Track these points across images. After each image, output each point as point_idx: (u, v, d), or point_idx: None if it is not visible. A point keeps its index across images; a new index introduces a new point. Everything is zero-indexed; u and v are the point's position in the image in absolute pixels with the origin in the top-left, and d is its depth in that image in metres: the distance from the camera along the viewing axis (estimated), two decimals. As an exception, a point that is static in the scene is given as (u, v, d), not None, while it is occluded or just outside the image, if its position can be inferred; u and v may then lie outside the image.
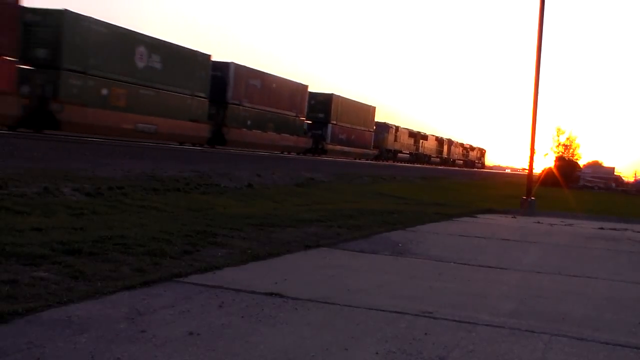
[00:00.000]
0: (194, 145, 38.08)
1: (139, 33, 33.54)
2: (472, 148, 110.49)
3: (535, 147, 20.05)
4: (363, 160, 55.46)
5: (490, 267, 7.38)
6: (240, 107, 42.19)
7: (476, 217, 14.48)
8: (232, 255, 6.64)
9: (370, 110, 63.75)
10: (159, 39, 35.18)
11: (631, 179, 59.01)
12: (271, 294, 5.09)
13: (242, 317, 4.40)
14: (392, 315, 4.72)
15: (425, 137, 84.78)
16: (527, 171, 20.40)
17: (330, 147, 54.99)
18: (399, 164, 55.26)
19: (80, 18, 29.44)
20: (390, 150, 71.03)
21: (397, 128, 73.62)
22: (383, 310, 4.82)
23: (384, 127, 68.83)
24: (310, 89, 46.97)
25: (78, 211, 9.51)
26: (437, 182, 36.00)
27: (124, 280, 5.08)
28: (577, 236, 11.79)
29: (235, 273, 5.85)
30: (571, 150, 58.64)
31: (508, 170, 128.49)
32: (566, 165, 50.62)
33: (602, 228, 13.63)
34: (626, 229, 13.62)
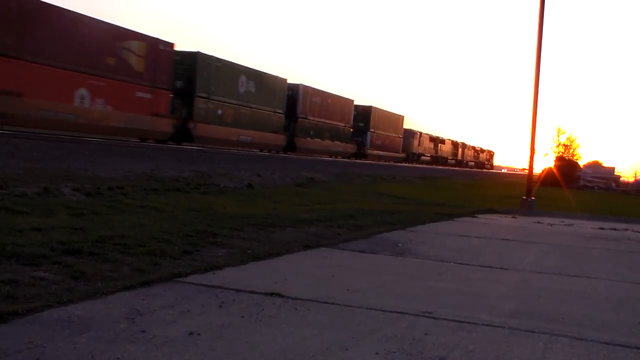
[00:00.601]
0: (277, 152, 46.97)
1: (241, 65, 42.44)
2: (482, 150, 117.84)
3: (536, 147, 20.07)
4: (364, 160, 56.78)
5: (490, 267, 7.38)
6: (306, 120, 51.69)
7: (476, 217, 14.48)
8: (232, 255, 6.64)
9: (400, 119, 73.20)
10: (253, 69, 43.98)
11: (631, 179, 59.03)
12: (271, 294, 5.09)
13: (242, 317, 4.40)
14: (392, 315, 4.72)
15: (443, 141, 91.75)
16: (526, 171, 20.40)
17: (369, 151, 63.73)
18: (418, 165, 63.63)
19: (206, 57, 38.55)
20: (415, 154, 79.02)
21: (420, 134, 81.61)
22: (383, 310, 4.82)
23: (410, 133, 77.51)
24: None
25: (78, 211, 9.51)
26: (437, 182, 36.00)
27: (124, 280, 5.09)
28: (577, 236, 11.79)
29: (235, 273, 5.85)
30: (571, 150, 58.70)
31: (504, 170, 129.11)
32: (566, 165, 50.63)
33: (602, 228, 13.63)
34: (626, 229, 13.62)
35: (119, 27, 31.73)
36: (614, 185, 51.76)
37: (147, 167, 16.99)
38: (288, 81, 48.25)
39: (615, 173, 55.47)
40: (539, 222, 14.13)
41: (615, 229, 13.50)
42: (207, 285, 5.21)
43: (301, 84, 50.67)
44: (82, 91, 29.28)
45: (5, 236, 6.38)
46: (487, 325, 4.63)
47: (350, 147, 59.74)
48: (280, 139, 47.49)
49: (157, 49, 33.94)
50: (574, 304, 5.66)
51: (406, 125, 76.19)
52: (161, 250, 6.40)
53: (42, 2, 26.97)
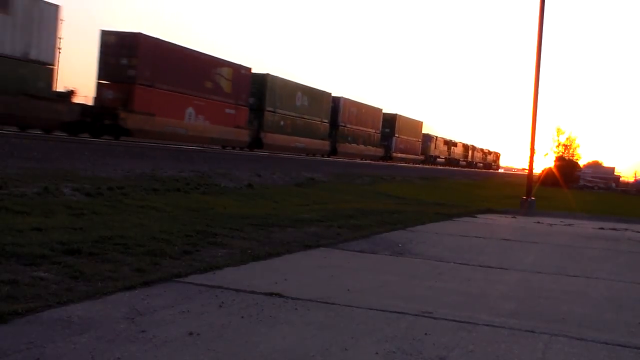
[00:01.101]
0: (322, 155, 53.47)
1: (298, 83, 51.04)
2: (489, 152, 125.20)
3: (536, 148, 20.08)
4: (364, 161, 57.74)
5: (490, 267, 7.38)
6: (345, 128, 59.58)
7: (476, 217, 14.48)
8: (232, 255, 6.64)
9: (419, 125, 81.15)
10: (307, 86, 52.37)
11: (631, 179, 59.04)
12: (271, 294, 5.09)
13: (242, 317, 4.40)
14: (392, 315, 4.72)
15: (455, 144, 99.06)
16: (526, 171, 20.40)
17: (394, 155, 71.01)
18: (433, 166, 70.42)
19: (273, 77, 46.65)
20: (432, 156, 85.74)
21: (436, 138, 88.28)
22: (383, 311, 4.82)
23: (428, 138, 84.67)
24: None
25: (78, 211, 9.51)
26: (437, 182, 36.00)
27: (124, 280, 5.08)
28: (577, 236, 11.79)
29: (235, 273, 5.85)
30: (571, 151, 58.69)
31: (501, 170, 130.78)
32: (566, 165, 50.64)
33: (602, 228, 13.63)
34: (626, 229, 13.62)
35: (214, 56, 39.96)
36: (614, 185, 51.78)
37: (147, 167, 16.99)
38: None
39: (615, 173, 55.49)
40: (539, 222, 14.13)
41: (615, 229, 13.50)
42: (207, 285, 5.21)
43: (342, 97, 58.81)
44: (190, 110, 37.71)
45: (5, 236, 6.38)
46: (487, 325, 4.63)
47: (379, 151, 67.41)
48: (326, 145, 55.77)
49: (240, 73, 42.41)
50: (574, 304, 5.66)
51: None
52: (161, 250, 6.40)
53: (166, 42, 35.93)
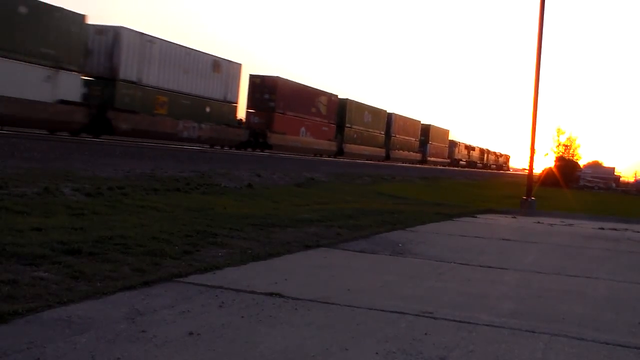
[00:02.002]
0: (378, 161, 62.93)
1: (365, 104, 63.27)
2: (500, 155, 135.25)
3: (536, 148, 20.08)
4: (365, 161, 59.09)
5: (490, 267, 7.38)
6: (395, 138, 71.93)
7: (476, 217, 14.48)
8: (232, 255, 6.64)
9: (447, 132, 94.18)
10: (372, 106, 64.51)
11: (631, 179, 59.05)
12: (271, 294, 5.09)
13: (242, 317, 4.40)
14: (393, 315, 4.72)
15: (473, 148, 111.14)
16: (526, 171, 20.40)
17: (429, 159, 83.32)
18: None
19: (351, 101, 59.54)
20: (456, 159, 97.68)
21: (459, 143, 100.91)
22: (383, 311, 4.82)
23: (453, 144, 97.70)
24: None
25: (78, 211, 9.50)
26: (438, 182, 36.00)
27: (124, 280, 5.09)
28: (577, 236, 11.79)
29: (235, 273, 5.85)
30: (571, 151, 58.71)
31: (511, 171, 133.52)
32: (566, 166, 50.64)
33: (602, 228, 13.63)
34: (626, 229, 13.62)
35: (317, 89, 53.83)
36: (614, 185, 51.80)
37: (147, 167, 17.00)
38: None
39: (615, 173, 55.52)
40: (539, 222, 14.13)
41: (615, 229, 13.50)
42: (207, 286, 5.21)
43: (394, 113, 71.22)
44: (303, 128, 51.71)
45: (5, 236, 6.38)
46: (487, 325, 4.63)
47: (418, 156, 79.22)
48: (382, 152, 67.68)
49: (331, 99, 56.00)
50: (574, 304, 5.66)
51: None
52: (161, 250, 6.40)
53: (291, 81, 49.77)
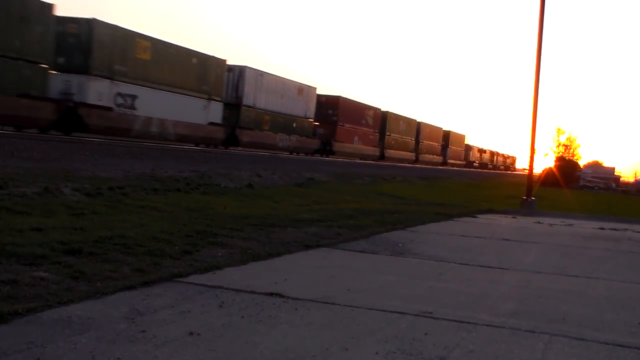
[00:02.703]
0: (409, 163, 70.81)
1: (401, 115, 73.81)
2: (508, 156, 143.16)
3: (536, 148, 20.09)
4: (367, 161, 59.80)
5: (490, 267, 7.38)
6: (423, 143, 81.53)
7: (476, 217, 14.48)
8: (232, 256, 6.64)
9: (463, 137, 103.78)
10: (404, 116, 74.50)
11: (631, 179, 59.07)
12: (271, 294, 5.09)
13: (242, 317, 4.40)
14: (393, 315, 4.72)
15: (484, 151, 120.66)
16: (526, 171, 20.41)
17: (449, 161, 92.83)
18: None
19: (391, 113, 70.26)
20: (470, 162, 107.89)
21: (473, 147, 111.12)
22: (383, 311, 4.82)
23: (468, 147, 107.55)
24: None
25: (78, 211, 9.50)
26: (438, 182, 36.00)
27: (124, 280, 5.09)
28: (577, 236, 11.79)
29: (235, 273, 5.85)
30: (571, 151, 58.73)
31: (502, 167, 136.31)
32: (566, 166, 50.65)
33: (602, 228, 13.63)
34: (626, 229, 13.62)
35: (366, 104, 63.45)
36: (614, 185, 51.81)
37: (147, 167, 17.00)
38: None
39: (615, 173, 55.53)
40: (539, 222, 14.13)
41: (615, 229, 13.50)
42: (207, 286, 5.21)
43: (422, 122, 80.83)
44: (356, 137, 61.09)
45: (5, 236, 6.38)
46: (487, 325, 4.63)
47: (440, 159, 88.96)
48: (413, 156, 77.32)
49: (376, 112, 65.87)
50: (574, 304, 5.66)
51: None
52: (161, 250, 6.40)
53: (349, 99, 59.87)
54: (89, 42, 30.07)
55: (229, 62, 41.52)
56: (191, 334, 3.92)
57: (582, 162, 57.45)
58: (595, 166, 57.19)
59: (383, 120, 68.02)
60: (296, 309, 4.72)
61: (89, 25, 30.22)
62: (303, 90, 51.26)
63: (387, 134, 69.44)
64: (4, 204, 9.03)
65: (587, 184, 49.58)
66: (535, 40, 18.68)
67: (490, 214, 15.94)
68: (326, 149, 55.92)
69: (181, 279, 5.37)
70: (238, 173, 19.85)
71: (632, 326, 4.95)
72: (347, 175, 28.86)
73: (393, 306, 4.97)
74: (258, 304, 4.77)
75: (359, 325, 4.40)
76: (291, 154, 49.44)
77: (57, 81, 29.49)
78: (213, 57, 39.53)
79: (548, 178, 44.92)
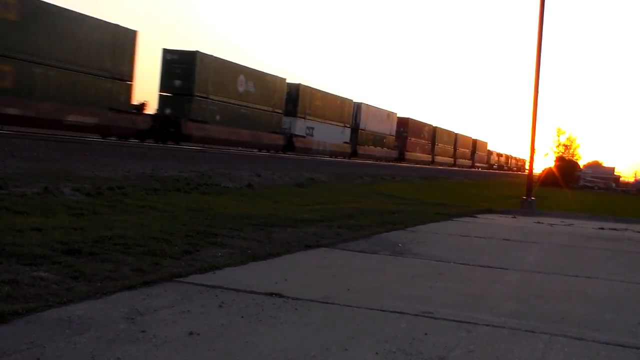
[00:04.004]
0: (449, 166, 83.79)
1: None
2: (519, 159, 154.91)
3: (536, 147, 20.11)
4: (367, 161, 60.49)
5: (490, 267, 7.38)
6: (458, 150, 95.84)
7: (476, 217, 14.48)
8: (232, 255, 6.65)
9: (486, 144, 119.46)
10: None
11: (631, 179, 59.09)
12: (271, 294, 5.09)
13: (242, 317, 4.40)
14: (392, 315, 4.72)
15: (501, 155, 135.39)
16: (526, 171, 20.40)
17: (476, 164, 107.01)
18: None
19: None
20: (491, 164, 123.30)
21: (492, 152, 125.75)
22: (383, 310, 4.82)
23: (489, 152, 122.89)
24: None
25: (78, 211, 9.51)
26: (437, 182, 36.01)
27: (124, 280, 5.09)
28: (577, 236, 11.79)
29: (235, 273, 5.85)
30: (571, 151, 58.82)
31: (515, 168, 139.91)
32: (566, 165, 50.68)
33: (602, 228, 13.63)
34: (626, 229, 13.62)
35: (424, 122, 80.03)
36: (614, 185, 51.81)
37: (147, 167, 17.00)
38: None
39: (615, 173, 55.53)
40: (539, 222, 14.13)
41: (615, 229, 13.49)
42: (207, 285, 5.21)
43: (458, 133, 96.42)
44: (418, 147, 75.86)
45: (5, 236, 6.38)
46: (487, 325, 4.63)
47: (470, 162, 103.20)
48: (452, 160, 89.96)
49: (430, 127, 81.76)
50: (574, 304, 5.66)
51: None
52: (161, 250, 6.40)
53: (413, 119, 76.50)
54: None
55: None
56: (191, 334, 3.92)
57: (582, 162, 57.57)
58: (595, 166, 57.22)
59: (434, 133, 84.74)
60: (296, 308, 4.72)
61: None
62: (389, 115, 69.90)
63: (436, 144, 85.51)
64: (4, 204, 9.04)
65: (587, 184, 49.59)
66: (535, 40, 18.69)
67: (490, 213, 15.94)
68: (400, 157, 71.87)
69: (181, 279, 5.37)
70: (238, 173, 19.86)
71: (632, 326, 4.95)
72: (347, 175, 28.86)
73: (393, 306, 4.97)
74: (258, 304, 4.77)
75: (358, 325, 4.40)
76: (380, 162, 62.69)
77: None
78: (342, 97, 58.53)
79: (548, 178, 44.95)
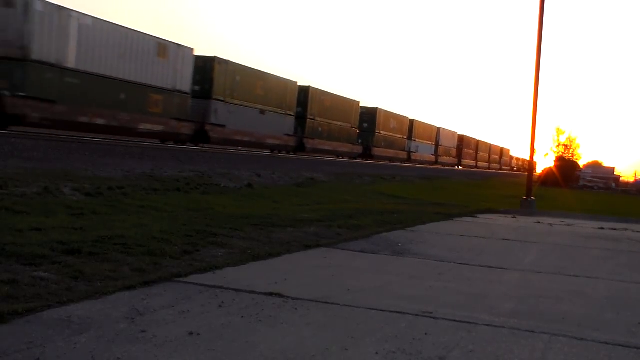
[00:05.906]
0: (470, 168, 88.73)
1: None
2: (526, 160, 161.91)
3: (535, 147, 20.12)
4: (367, 161, 60.10)
5: (490, 267, 7.38)
6: (479, 154, 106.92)
7: (476, 217, 14.48)
8: (232, 255, 6.64)
9: (508, 150, 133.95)
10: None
11: (631, 179, 59.11)
12: (271, 294, 5.09)
13: (242, 317, 4.40)
14: (392, 315, 4.72)
15: (512, 157, 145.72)
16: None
17: (490, 165, 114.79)
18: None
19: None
20: (511, 167, 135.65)
21: (513, 156, 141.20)
22: (383, 310, 4.82)
23: (510, 156, 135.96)
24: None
25: (78, 211, 9.50)
26: (437, 182, 36.00)
27: (124, 280, 5.08)
28: (577, 236, 11.79)
29: (235, 273, 5.85)
30: (571, 150, 58.85)
31: (522, 169, 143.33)
32: (566, 165, 50.69)
33: (602, 228, 13.63)
34: (626, 229, 13.62)
35: (443, 128, 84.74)
36: (614, 185, 51.84)
37: (147, 167, 17.00)
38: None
39: (615, 173, 55.57)
40: (539, 222, 14.13)
41: (615, 229, 13.50)
42: (207, 285, 5.21)
43: (480, 140, 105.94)
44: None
45: (5, 236, 6.38)
46: (487, 325, 4.63)
47: (497, 166, 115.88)
48: (475, 163, 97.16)
49: (454, 134, 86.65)
50: (574, 304, 5.66)
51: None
52: (161, 250, 6.40)
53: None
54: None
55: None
56: (191, 333, 3.92)
57: (582, 162, 57.59)
58: (595, 166, 57.26)
59: (476, 146, 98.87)
60: (296, 309, 4.72)
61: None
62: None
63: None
64: (4, 204, 9.03)
65: (587, 183, 49.61)
66: (535, 40, 18.70)
67: (490, 213, 15.94)
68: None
69: (181, 279, 5.37)
70: (238, 173, 19.86)
71: (632, 326, 4.95)
72: (347, 175, 28.86)
73: (393, 306, 4.97)
74: (258, 303, 4.77)
75: (358, 325, 4.40)
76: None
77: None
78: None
79: (548, 178, 44.96)
